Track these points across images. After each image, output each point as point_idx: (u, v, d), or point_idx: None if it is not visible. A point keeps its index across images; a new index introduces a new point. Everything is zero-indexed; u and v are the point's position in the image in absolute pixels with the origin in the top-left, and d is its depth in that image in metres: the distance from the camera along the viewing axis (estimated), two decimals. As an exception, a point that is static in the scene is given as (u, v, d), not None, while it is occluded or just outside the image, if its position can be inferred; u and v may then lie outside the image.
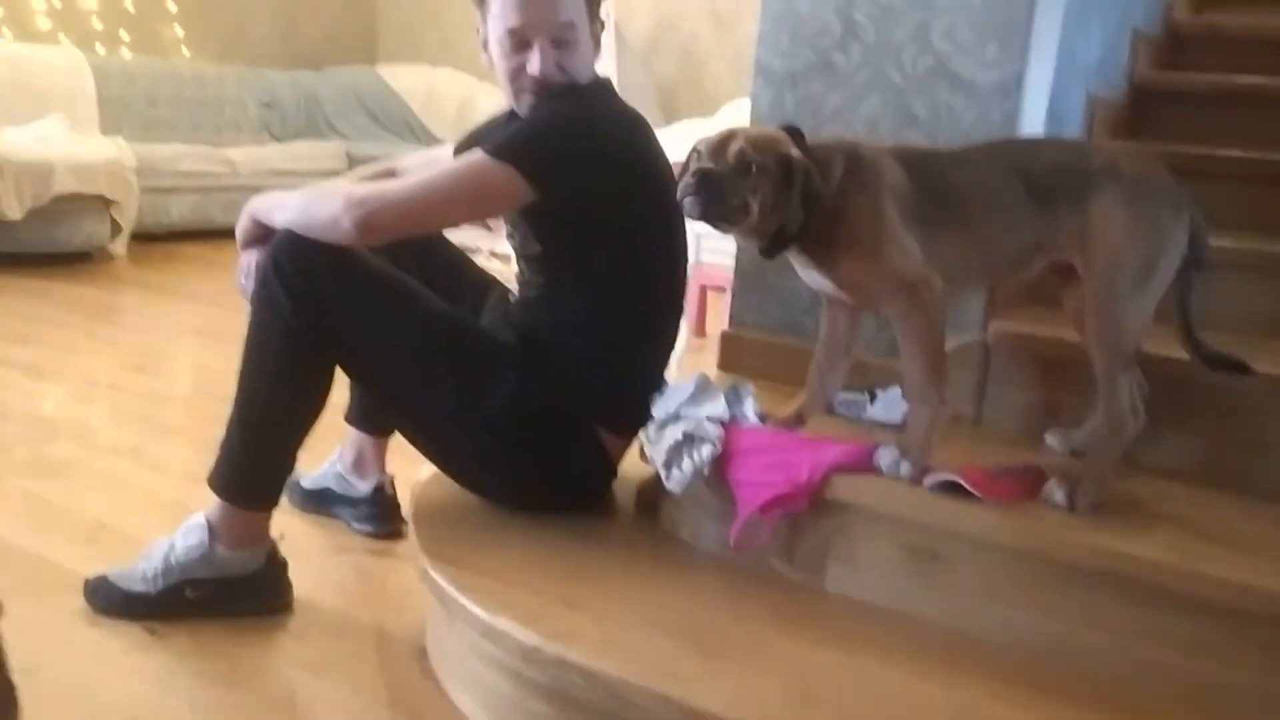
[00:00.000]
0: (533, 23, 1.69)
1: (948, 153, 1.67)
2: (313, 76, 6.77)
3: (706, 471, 1.67)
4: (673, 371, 1.95)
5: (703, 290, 4.12)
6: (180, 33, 6.18)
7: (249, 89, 6.31)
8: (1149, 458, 1.72)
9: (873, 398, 1.91)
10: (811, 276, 1.63)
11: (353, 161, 6.12)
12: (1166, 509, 1.59)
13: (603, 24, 1.83)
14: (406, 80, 6.86)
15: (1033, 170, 1.57)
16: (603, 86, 1.81)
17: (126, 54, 5.92)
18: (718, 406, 1.73)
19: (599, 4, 1.80)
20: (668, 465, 1.70)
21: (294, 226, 1.67)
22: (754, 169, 1.49)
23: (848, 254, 1.56)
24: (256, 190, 6.04)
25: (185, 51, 6.26)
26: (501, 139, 1.68)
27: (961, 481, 1.53)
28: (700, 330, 4.15)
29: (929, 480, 1.56)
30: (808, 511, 1.60)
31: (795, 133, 1.58)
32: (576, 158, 1.68)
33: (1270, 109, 2.33)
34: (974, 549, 1.51)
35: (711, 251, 3.51)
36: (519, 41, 1.71)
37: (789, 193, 1.51)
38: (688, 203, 1.50)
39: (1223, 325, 1.80)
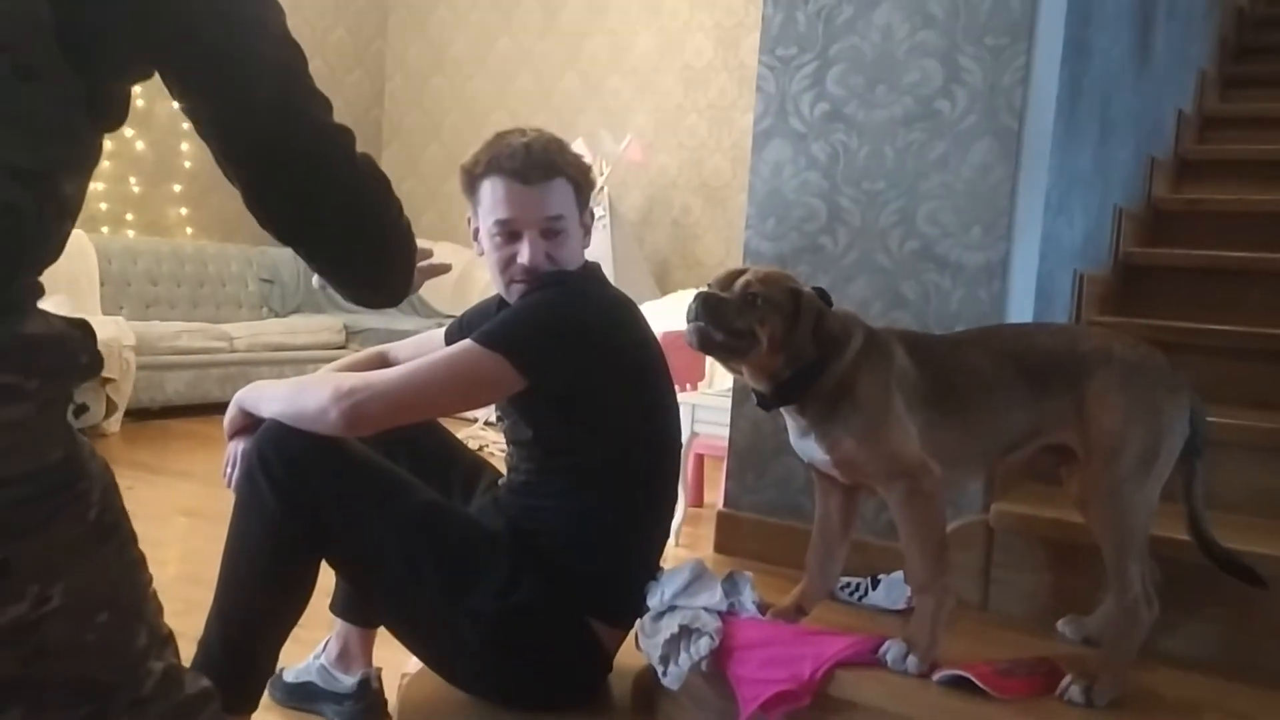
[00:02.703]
0: (522, 216, 1.71)
1: (945, 339, 1.67)
2: (313, 252, 6.87)
3: (704, 666, 1.60)
4: (671, 542, 1.89)
5: (699, 459, 4.09)
6: (184, 213, 6.33)
7: (250, 265, 6.42)
8: (1166, 645, 1.65)
9: (875, 583, 1.86)
10: (806, 446, 1.60)
11: (350, 335, 6.16)
12: (1187, 702, 1.52)
13: (592, 213, 1.85)
14: (405, 254, 6.96)
15: (1025, 356, 1.57)
16: (591, 274, 1.82)
17: (131, 234, 6.04)
18: (714, 596, 1.67)
19: (588, 194, 1.83)
20: (664, 660, 1.63)
21: (281, 417, 1.65)
22: (760, 300, 1.49)
23: (848, 430, 1.53)
24: (253, 365, 5.93)
25: (189, 231, 6.39)
26: (491, 327, 1.68)
27: (972, 678, 1.46)
28: (698, 500, 4.09)
29: (938, 675, 1.50)
30: (812, 710, 1.53)
31: (823, 295, 1.58)
32: (566, 345, 1.67)
33: (1256, 283, 2.35)
34: (989, 751, 1.43)
35: (706, 423, 3.48)
36: (509, 233, 1.73)
37: (797, 329, 1.50)
38: (689, 329, 1.49)
39: (1228, 504, 1.76)
